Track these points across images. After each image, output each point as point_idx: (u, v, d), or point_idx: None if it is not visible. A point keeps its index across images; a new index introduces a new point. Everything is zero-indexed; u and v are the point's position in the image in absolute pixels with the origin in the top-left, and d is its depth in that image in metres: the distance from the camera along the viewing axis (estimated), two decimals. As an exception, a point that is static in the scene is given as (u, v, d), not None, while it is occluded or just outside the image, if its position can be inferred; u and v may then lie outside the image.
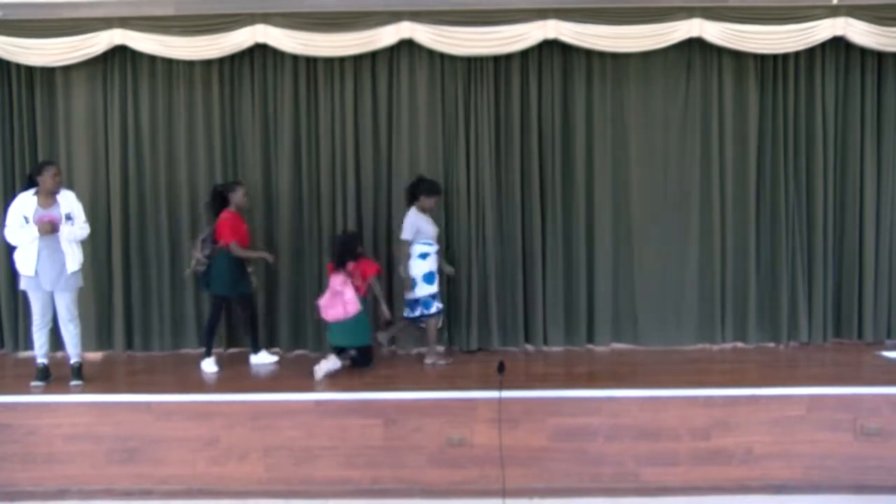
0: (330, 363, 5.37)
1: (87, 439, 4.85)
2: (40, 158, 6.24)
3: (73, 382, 5.24)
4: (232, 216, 5.61)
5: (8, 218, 5.13)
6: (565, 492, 4.76)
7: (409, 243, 5.61)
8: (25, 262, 5.10)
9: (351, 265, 5.54)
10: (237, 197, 5.68)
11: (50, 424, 4.86)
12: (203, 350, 5.78)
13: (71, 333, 5.27)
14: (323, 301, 5.56)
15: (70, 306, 5.21)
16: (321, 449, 4.81)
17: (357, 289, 5.53)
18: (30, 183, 5.19)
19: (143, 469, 4.83)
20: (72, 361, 5.32)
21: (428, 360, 5.76)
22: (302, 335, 6.32)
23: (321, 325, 6.23)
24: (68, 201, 5.19)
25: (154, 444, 4.83)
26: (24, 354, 6.29)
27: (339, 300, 5.47)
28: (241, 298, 5.77)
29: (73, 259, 5.17)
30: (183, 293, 6.34)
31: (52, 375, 5.35)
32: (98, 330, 6.33)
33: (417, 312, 5.68)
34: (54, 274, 5.10)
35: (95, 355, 6.03)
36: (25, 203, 5.10)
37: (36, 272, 5.09)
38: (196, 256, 5.70)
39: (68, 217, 5.13)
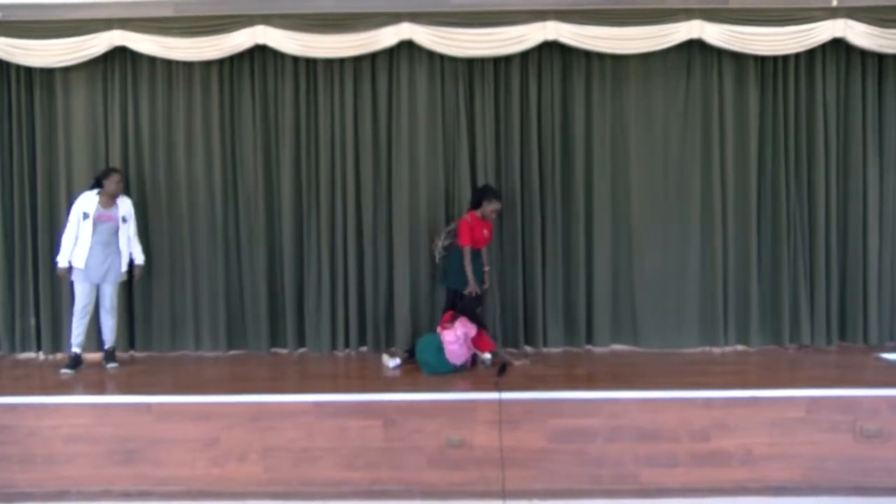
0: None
1: (86, 440, 4.84)
2: (39, 159, 6.28)
3: (110, 365, 5.83)
4: (473, 220, 5.74)
5: (71, 213, 5.73)
6: (565, 493, 4.76)
7: None
8: (78, 257, 5.66)
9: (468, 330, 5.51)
10: (487, 208, 5.75)
11: (49, 425, 4.85)
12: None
13: (109, 322, 5.84)
14: (458, 342, 5.44)
15: (112, 297, 5.79)
16: (320, 450, 4.81)
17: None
18: (95, 184, 5.75)
19: (143, 470, 4.83)
20: (106, 346, 5.92)
21: None
22: (302, 334, 6.33)
23: (321, 324, 6.26)
24: (126, 206, 5.84)
25: (153, 445, 4.83)
26: (22, 356, 6.30)
27: (467, 346, 5.48)
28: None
29: (125, 261, 5.83)
30: (183, 293, 6.34)
31: (84, 364, 5.80)
32: (100, 330, 6.31)
33: None
34: (104, 268, 5.70)
35: (96, 356, 6.03)
36: (87, 201, 5.70)
37: (86, 265, 5.64)
38: (437, 244, 5.95)
39: (124, 219, 5.79)
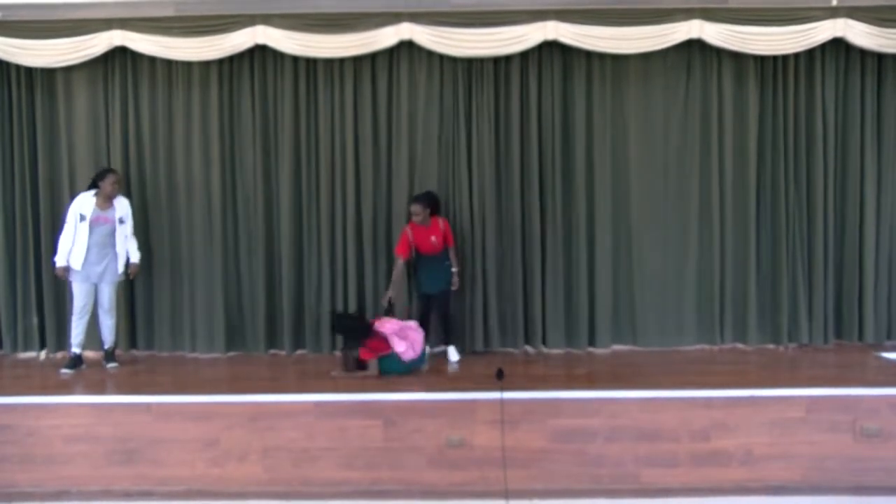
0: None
1: (86, 440, 4.85)
2: (40, 159, 6.27)
3: (110, 365, 5.84)
4: (412, 229, 5.81)
5: (68, 214, 5.70)
6: (565, 493, 4.76)
7: None
8: (75, 258, 5.64)
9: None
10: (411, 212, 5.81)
11: (49, 425, 4.86)
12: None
13: (108, 322, 5.84)
14: (401, 346, 5.43)
15: (111, 297, 5.79)
16: (320, 450, 4.81)
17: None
18: (92, 185, 5.72)
19: (143, 470, 4.83)
20: (106, 346, 5.92)
21: None
22: (301, 335, 6.33)
23: (320, 326, 6.26)
24: (123, 206, 5.80)
25: (153, 445, 4.83)
26: (23, 355, 6.30)
27: (408, 343, 5.47)
28: (439, 296, 5.89)
29: (123, 262, 5.80)
30: (181, 293, 6.33)
31: (85, 364, 5.81)
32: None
33: None
34: (101, 269, 5.70)
35: (97, 354, 6.03)
36: (84, 202, 5.67)
37: (83, 266, 5.63)
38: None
39: (121, 220, 5.76)
